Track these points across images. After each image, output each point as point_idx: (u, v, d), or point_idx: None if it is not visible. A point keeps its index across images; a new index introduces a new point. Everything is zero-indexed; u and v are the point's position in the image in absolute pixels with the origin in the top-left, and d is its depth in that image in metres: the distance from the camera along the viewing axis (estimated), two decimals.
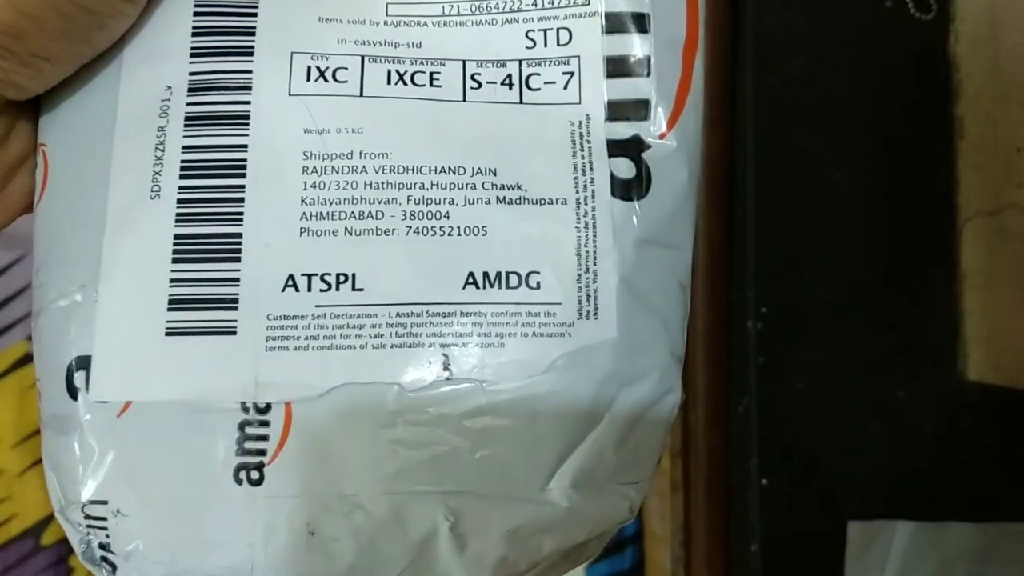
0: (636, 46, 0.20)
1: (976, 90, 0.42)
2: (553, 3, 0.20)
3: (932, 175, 0.43)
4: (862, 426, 0.42)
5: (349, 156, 0.19)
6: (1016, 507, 0.42)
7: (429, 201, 0.19)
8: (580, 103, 0.20)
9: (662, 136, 0.20)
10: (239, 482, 0.18)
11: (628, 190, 0.20)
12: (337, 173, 0.19)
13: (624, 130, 0.20)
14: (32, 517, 0.50)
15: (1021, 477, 0.42)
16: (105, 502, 0.18)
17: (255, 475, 0.18)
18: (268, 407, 0.19)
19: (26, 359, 0.52)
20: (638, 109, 0.20)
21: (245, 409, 0.19)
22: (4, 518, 0.50)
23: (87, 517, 0.19)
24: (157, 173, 0.19)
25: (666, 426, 0.21)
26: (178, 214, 0.19)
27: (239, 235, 0.19)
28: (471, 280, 0.19)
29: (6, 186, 0.20)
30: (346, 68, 0.20)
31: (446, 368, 0.19)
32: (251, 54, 0.20)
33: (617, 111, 0.20)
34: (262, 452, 0.18)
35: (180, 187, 0.19)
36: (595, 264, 0.19)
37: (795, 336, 0.42)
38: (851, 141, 0.43)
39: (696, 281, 0.44)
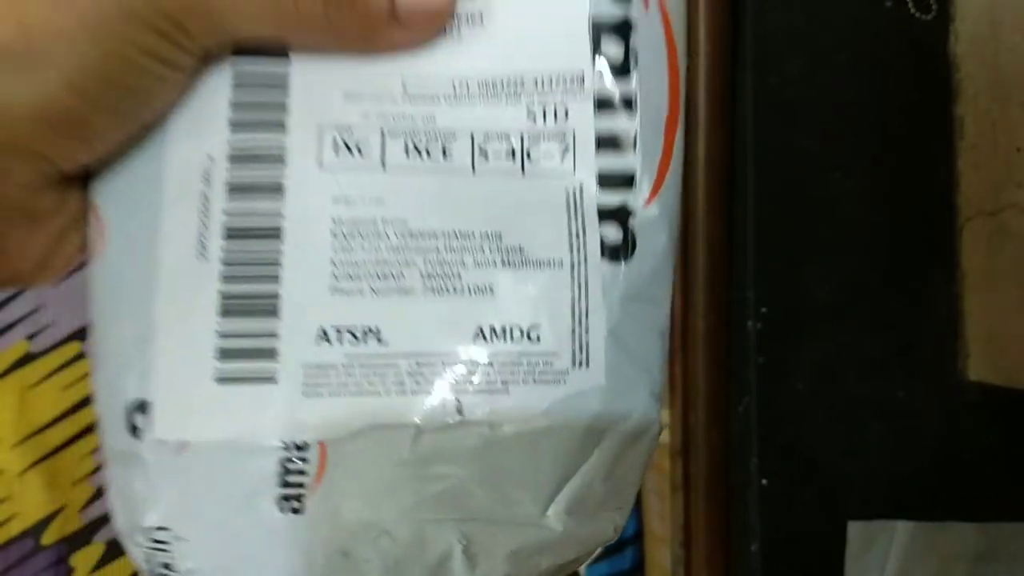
0: (624, 124, 0.22)
1: (976, 90, 0.42)
2: (552, 84, 0.22)
3: (932, 175, 0.43)
4: (862, 426, 0.42)
5: (372, 223, 0.22)
6: (1016, 507, 0.42)
7: (443, 263, 0.22)
8: (575, 174, 0.22)
9: (646, 204, 0.23)
10: (282, 511, 0.21)
11: (616, 253, 0.22)
12: (362, 238, 0.22)
13: (613, 199, 0.22)
14: (32, 517, 0.50)
15: (1021, 477, 0.42)
16: (167, 529, 0.21)
17: (296, 505, 0.21)
18: (306, 445, 0.21)
19: (26, 359, 0.52)
20: (625, 180, 0.22)
21: (286, 448, 0.21)
22: (4, 518, 0.50)
23: (151, 541, 0.21)
24: (203, 236, 0.21)
25: (646, 458, 0.23)
26: (223, 275, 0.21)
27: (277, 293, 0.21)
28: (480, 333, 0.22)
29: (62, 243, 0.22)
30: (368, 141, 0.22)
31: (459, 411, 0.21)
32: (284, 127, 0.22)
33: (607, 182, 0.22)
34: (301, 485, 0.21)
35: (224, 249, 0.21)
36: (587, 319, 0.22)
37: (795, 336, 0.42)
38: (851, 141, 0.43)
39: (696, 281, 0.45)
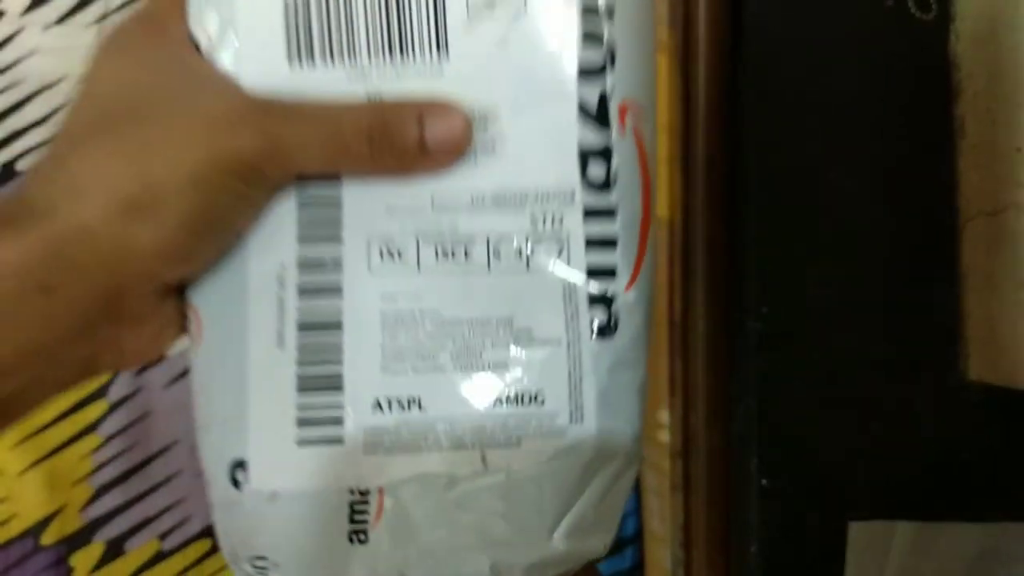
0: (606, 228, 0.28)
1: (976, 90, 0.42)
2: (549, 198, 0.28)
3: (932, 175, 0.43)
4: (862, 426, 0.42)
5: (412, 314, 0.27)
6: (1017, 507, 0.42)
7: (468, 346, 0.27)
8: (569, 267, 0.28)
9: (625, 291, 0.28)
10: (352, 542, 0.27)
11: (603, 331, 0.28)
12: (405, 327, 0.27)
13: (599, 288, 0.28)
14: (32, 517, 0.50)
15: (1021, 477, 0.42)
16: (265, 557, 0.27)
17: (362, 537, 0.27)
18: (368, 491, 0.27)
19: None
20: (609, 273, 0.28)
21: (352, 493, 0.27)
22: (4, 518, 0.51)
23: (254, 567, 0.27)
24: (280, 329, 0.27)
25: (628, 491, 0.29)
26: (298, 360, 0.27)
27: (341, 373, 0.27)
28: (498, 400, 0.27)
29: (161, 337, 0.28)
30: (407, 247, 0.27)
31: (483, 462, 0.27)
32: (340, 240, 0.27)
33: (594, 274, 0.28)
34: (365, 521, 0.27)
35: (297, 339, 0.27)
36: (581, 384, 0.27)
37: (795, 336, 0.42)
38: (851, 141, 0.43)
39: (696, 281, 0.45)
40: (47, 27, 0.51)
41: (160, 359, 0.30)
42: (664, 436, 0.47)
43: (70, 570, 0.50)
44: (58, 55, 0.51)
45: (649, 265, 0.29)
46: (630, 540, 0.53)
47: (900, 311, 0.43)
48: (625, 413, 0.28)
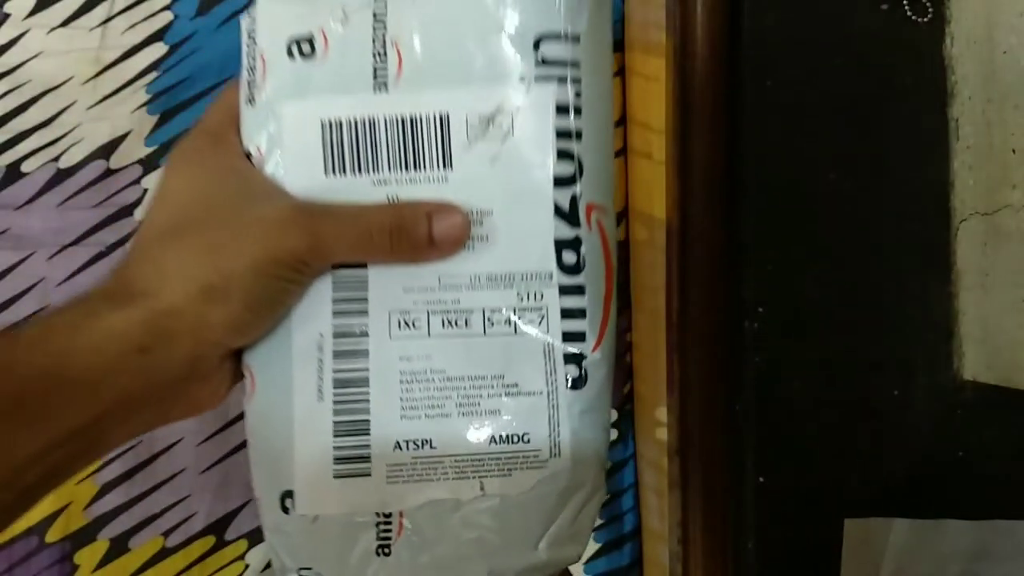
0: (577, 302, 0.34)
1: (971, 92, 0.43)
2: (531, 278, 0.34)
3: (928, 176, 0.43)
4: (858, 424, 0.43)
5: (424, 373, 0.33)
6: (1011, 505, 0.43)
7: (469, 396, 0.33)
8: (548, 334, 0.34)
9: (592, 351, 0.34)
10: (378, 555, 0.33)
11: (575, 383, 0.34)
12: (419, 383, 0.33)
13: (572, 348, 0.34)
14: (36, 515, 0.51)
15: (1016, 475, 0.43)
16: (310, 568, 0.33)
17: (387, 551, 0.33)
18: (390, 515, 0.33)
19: None
20: (579, 337, 0.34)
21: (378, 515, 0.33)
22: None
23: None
24: (320, 386, 0.33)
25: (598, 509, 0.35)
26: (334, 410, 0.33)
27: (368, 420, 0.33)
28: (493, 439, 0.33)
29: (219, 390, 0.34)
30: (420, 319, 0.34)
31: (482, 489, 0.33)
32: (366, 313, 0.33)
33: (568, 338, 0.34)
34: (389, 538, 0.33)
35: (334, 394, 0.33)
36: (558, 427, 0.33)
37: (792, 335, 0.43)
38: (848, 142, 0.43)
39: (694, 281, 0.45)
40: (51, 30, 0.52)
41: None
42: (662, 434, 0.48)
43: (74, 567, 0.51)
44: (62, 58, 0.52)
45: (611, 331, 0.35)
46: (629, 537, 0.54)
47: (895, 310, 0.43)
48: (593, 449, 0.34)
